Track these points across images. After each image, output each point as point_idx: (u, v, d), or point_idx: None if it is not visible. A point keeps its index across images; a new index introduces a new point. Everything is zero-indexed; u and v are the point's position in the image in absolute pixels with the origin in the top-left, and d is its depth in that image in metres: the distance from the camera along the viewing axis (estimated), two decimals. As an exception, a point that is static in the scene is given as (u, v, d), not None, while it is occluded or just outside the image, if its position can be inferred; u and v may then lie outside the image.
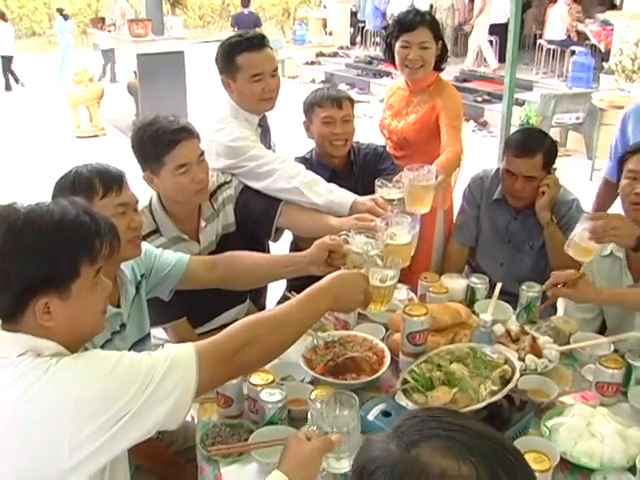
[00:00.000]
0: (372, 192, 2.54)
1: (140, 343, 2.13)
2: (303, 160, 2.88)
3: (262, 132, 2.84)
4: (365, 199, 2.50)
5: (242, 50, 2.62)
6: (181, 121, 2.34)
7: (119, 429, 1.30)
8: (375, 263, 2.00)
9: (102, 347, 1.88)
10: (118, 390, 1.32)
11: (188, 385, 1.40)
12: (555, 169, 2.80)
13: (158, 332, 2.59)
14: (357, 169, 2.89)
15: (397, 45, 3.03)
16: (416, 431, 0.90)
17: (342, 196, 2.55)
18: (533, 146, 2.71)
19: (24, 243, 1.35)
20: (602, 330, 2.57)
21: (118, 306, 2.00)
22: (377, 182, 2.47)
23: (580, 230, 2.27)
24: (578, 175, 2.57)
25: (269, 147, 2.89)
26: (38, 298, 1.35)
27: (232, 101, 2.71)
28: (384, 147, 3.04)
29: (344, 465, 1.56)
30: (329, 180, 2.66)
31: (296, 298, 1.68)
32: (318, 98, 2.81)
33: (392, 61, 3.12)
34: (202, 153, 2.38)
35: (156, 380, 1.36)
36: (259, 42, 2.65)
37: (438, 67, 3.12)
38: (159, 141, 2.28)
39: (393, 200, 2.42)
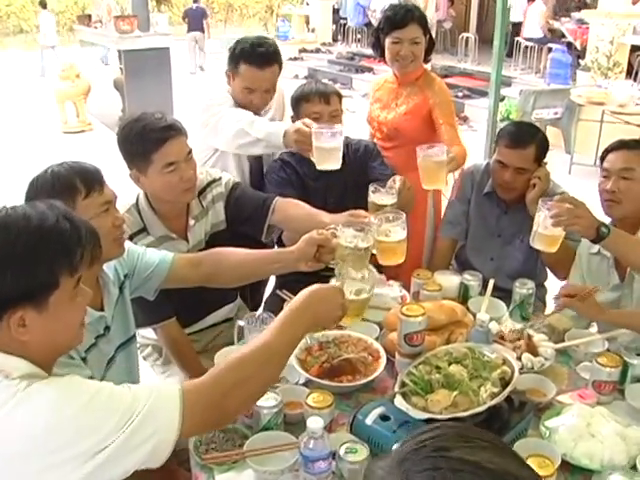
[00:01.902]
0: (362, 189, 2.52)
1: (126, 345, 2.07)
2: (290, 155, 2.86)
3: None
4: (295, 125, 2.55)
5: (246, 59, 2.79)
6: (169, 118, 2.29)
7: (92, 468, 1.21)
8: (358, 256, 1.97)
9: (87, 351, 1.82)
10: (91, 426, 1.23)
11: (169, 430, 1.31)
12: (546, 163, 2.78)
13: (147, 332, 2.56)
14: (347, 166, 2.83)
15: (388, 41, 3.06)
16: (421, 471, 0.79)
17: (278, 126, 2.62)
18: (526, 138, 2.70)
19: None
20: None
21: (101, 309, 1.93)
22: (371, 187, 2.43)
23: (542, 219, 2.23)
24: (557, 169, 2.60)
25: None
26: (13, 311, 1.26)
27: (229, 93, 2.89)
28: (375, 144, 3.01)
29: None
30: (318, 176, 2.65)
31: (272, 326, 1.56)
32: (305, 93, 2.77)
33: (381, 55, 3.16)
34: (190, 151, 2.33)
35: (135, 422, 1.26)
36: (264, 62, 2.79)
37: (425, 59, 3.18)
38: (146, 139, 2.23)
39: (386, 205, 2.39)
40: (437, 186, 2.61)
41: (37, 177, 1.82)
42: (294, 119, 2.82)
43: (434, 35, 3.31)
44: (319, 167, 2.43)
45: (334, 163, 2.42)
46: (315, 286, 1.69)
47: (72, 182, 1.80)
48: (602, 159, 2.49)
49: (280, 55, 2.90)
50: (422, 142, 2.91)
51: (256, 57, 2.76)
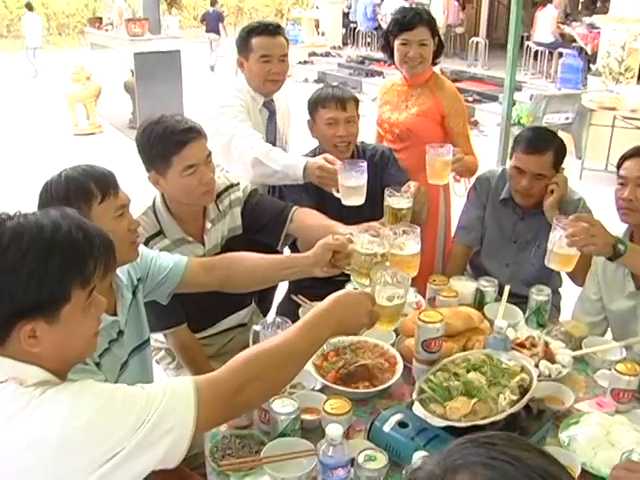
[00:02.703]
0: (377, 195, 2.51)
1: (139, 349, 2.05)
2: None
3: (269, 115, 3.05)
4: (316, 159, 2.57)
5: (257, 33, 2.92)
6: (189, 121, 2.28)
7: (107, 470, 1.20)
8: (384, 267, 1.92)
9: (100, 357, 1.81)
10: (107, 429, 1.21)
11: (185, 427, 1.30)
12: (563, 169, 2.76)
13: (160, 336, 2.55)
14: None
15: (396, 43, 3.11)
16: (461, 456, 0.82)
17: (297, 159, 2.62)
18: (543, 144, 2.68)
19: (10, 263, 1.23)
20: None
21: (115, 314, 1.91)
22: (386, 191, 2.43)
23: (558, 239, 2.20)
24: (568, 174, 2.60)
25: (274, 130, 3.07)
26: (23, 323, 1.24)
27: (244, 80, 2.99)
28: (390, 150, 3.00)
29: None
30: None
31: (296, 326, 1.55)
32: (322, 98, 2.77)
33: (391, 57, 3.20)
34: (209, 154, 2.32)
35: (151, 421, 1.25)
36: (274, 29, 2.95)
37: (433, 62, 3.21)
38: (167, 141, 2.21)
39: (402, 209, 2.38)
40: (439, 181, 2.76)
41: (50, 181, 1.80)
42: (310, 123, 2.83)
43: (444, 39, 3.33)
44: (345, 203, 2.45)
45: (360, 199, 2.43)
46: (344, 291, 1.69)
47: (87, 187, 1.78)
48: (618, 166, 2.46)
49: (284, 32, 3.06)
50: (434, 142, 2.94)
51: (266, 28, 2.93)
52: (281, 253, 2.78)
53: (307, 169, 2.54)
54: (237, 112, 2.82)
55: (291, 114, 3.27)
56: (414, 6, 3.28)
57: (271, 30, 2.93)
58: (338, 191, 2.45)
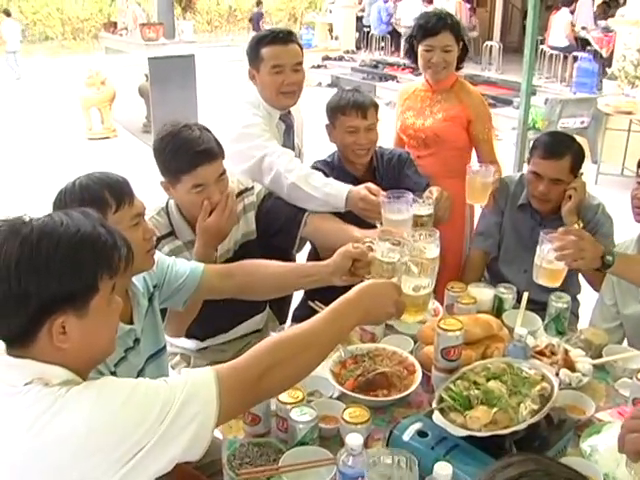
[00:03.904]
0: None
1: (155, 356, 2.04)
2: (324, 164, 2.83)
3: (285, 129, 2.88)
4: (359, 188, 2.47)
5: (267, 43, 2.72)
6: (205, 139, 2.23)
7: (136, 463, 1.21)
8: (408, 270, 1.88)
9: (116, 365, 1.80)
10: (133, 422, 1.23)
11: (208, 414, 1.31)
12: (582, 174, 2.74)
13: (176, 340, 2.54)
14: (380, 175, 2.81)
15: (420, 48, 3.08)
16: None
17: (337, 188, 2.51)
18: (561, 148, 2.67)
19: (43, 257, 1.24)
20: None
21: (131, 322, 1.89)
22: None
23: (545, 253, 2.16)
24: (584, 179, 2.60)
25: (292, 146, 2.91)
26: (55, 317, 1.26)
27: (257, 93, 2.79)
28: (408, 153, 2.98)
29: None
30: None
31: (322, 314, 1.57)
32: (342, 105, 2.71)
33: (415, 62, 3.18)
34: (223, 172, 2.30)
35: (174, 411, 1.27)
36: (285, 37, 2.74)
37: (458, 66, 3.19)
38: (180, 159, 2.20)
39: (422, 216, 2.34)
40: (479, 203, 2.76)
41: (65, 189, 1.78)
42: (329, 128, 2.80)
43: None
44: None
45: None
46: (370, 281, 1.72)
47: (101, 196, 1.76)
48: (638, 166, 2.46)
49: (297, 38, 2.85)
50: (461, 147, 2.95)
51: (276, 35, 2.74)
52: (293, 259, 2.78)
53: (349, 199, 2.46)
54: (261, 131, 2.66)
55: (304, 122, 3.16)
56: (438, 11, 3.22)
57: (282, 37, 2.73)
58: (382, 223, 2.35)
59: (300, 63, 2.78)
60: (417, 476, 1.53)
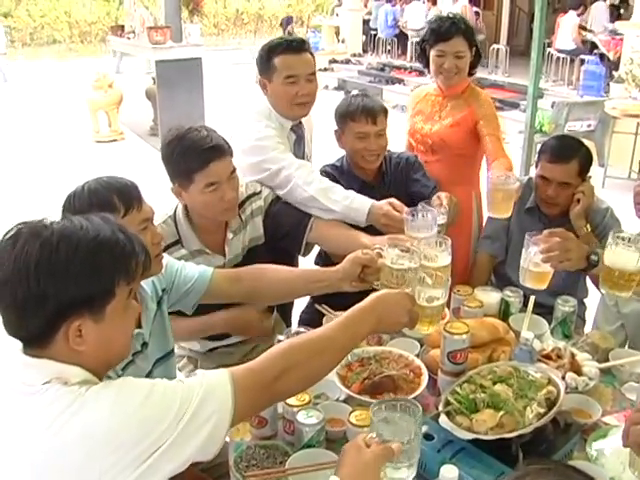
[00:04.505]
0: (403, 202, 2.48)
1: (163, 360, 2.04)
2: (333, 168, 2.82)
3: (296, 139, 2.82)
4: (382, 203, 2.45)
5: (280, 52, 2.64)
6: (214, 138, 2.25)
7: (153, 462, 1.23)
8: (423, 281, 1.89)
9: (123, 369, 1.80)
10: (152, 421, 1.25)
11: (224, 414, 1.33)
12: (590, 177, 2.74)
13: (184, 343, 2.55)
14: (388, 179, 2.82)
15: (432, 53, 3.05)
16: None
17: (359, 202, 2.48)
18: (569, 152, 2.68)
19: (62, 260, 1.26)
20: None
21: (139, 326, 1.90)
22: (419, 206, 2.33)
23: (532, 256, 2.15)
24: (591, 182, 2.60)
25: (302, 156, 2.86)
26: (72, 320, 1.27)
27: (268, 103, 2.72)
28: (416, 156, 2.98)
29: (402, 475, 1.50)
30: (359, 191, 2.60)
31: (336, 321, 1.60)
32: (352, 111, 2.69)
33: (426, 66, 3.15)
34: (234, 170, 2.31)
35: (190, 410, 1.29)
36: (298, 45, 2.66)
37: (470, 73, 3.14)
38: (190, 159, 2.21)
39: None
40: (503, 215, 2.58)
41: (73, 193, 1.79)
42: (338, 134, 2.79)
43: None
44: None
45: None
46: (384, 290, 1.74)
47: (110, 200, 1.77)
48: None
49: (310, 46, 2.76)
50: (468, 154, 2.90)
51: (289, 44, 2.65)
52: (296, 264, 2.78)
53: (371, 214, 2.44)
54: (276, 144, 2.60)
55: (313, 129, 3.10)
56: (452, 15, 3.15)
57: (295, 47, 2.64)
58: None
59: (314, 73, 2.71)
60: (421, 422, 1.54)
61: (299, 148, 2.85)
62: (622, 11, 12.69)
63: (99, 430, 1.21)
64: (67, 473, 1.20)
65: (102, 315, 1.31)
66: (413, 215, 2.24)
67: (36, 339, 1.30)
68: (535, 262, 2.15)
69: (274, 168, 2.55)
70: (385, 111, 2.75)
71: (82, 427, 1.21)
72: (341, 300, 2.07)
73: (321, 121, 2.71)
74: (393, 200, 2.45)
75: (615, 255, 1.88)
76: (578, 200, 2.65)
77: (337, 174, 2.76)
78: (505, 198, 2.49)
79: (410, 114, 3.32)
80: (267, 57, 2.66)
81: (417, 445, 1.51)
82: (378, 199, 2.50)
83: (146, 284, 1.96)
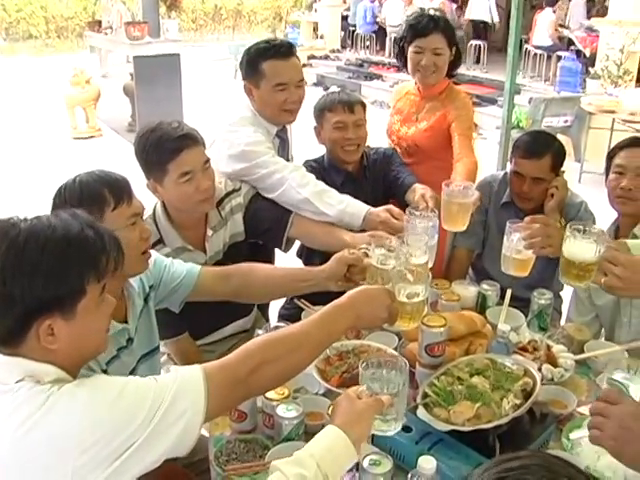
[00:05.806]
0: (385, 197, 2.49)
1: (148, 356, 2.05)
2: (316, 162, 2.83)
3: (280, 143, 2.79)
4: (379, 210, 2.41)
5: (268, 57, 2.57)
6: (185, 127, 2.25)
7: (126, 459, 1.23)
8: (403, 278, 1.85)
9: (108, 364, 1.82)
10: (125, 418, 1.25)
11: (197, 410, 1.34)
12: (563, 172, 2.77)
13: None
14: (370, 174, 2.84)
15: (410, 50, 3.01)
16: None
17: (355, 207, 2.44)
18: (541, 148, 2.71)
19: (28, 261, 1.26)
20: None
21: (125, 321, 1.91)
22: (407, 211, 2.27)
23: (514, 243, 2.15)
24: (567, 177, 2.61)
25: (287, 159, 2.81)
26: (42, 320, 1.27)
27: (252, 107, 2.66)
28: (394, 149, 2.99)
29: (390, 427, 1.54)
30: (343, 184, 2.61)
31: (314, 317, 1.59)
32: (329, 103, 2.73)
33: (404, 65, 3.10)
34: (207, 160, 2.30)
35: (163, 407, 1.29)
36: (286, 50, 2.60)
37: (450, 74, 3.09)
38: (162, 148, 2.20)
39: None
40: (457, 229, 2.44)
41: (65, 186, 1.80)
42: (317, 130, 2.81)
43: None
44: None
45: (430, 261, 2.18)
46: (363, 286, 1.74)
47: (100, 193, 1.78)
48: (612, 157, 2.53)
49: (296, 50, 2.71)
50: (442, 159, 2.87)
51: (276, 49, 2.58)
52: (273, 261, 2.78)
53: (367, 220, 2.39)
54: (267, 149, 2.55)
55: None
56: (430, 12, 3.09)
57: (284, 52, 2.58)
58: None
59: (302, 79, 2.67)
60: (407, 378, 1.57)
61: (283, 151, 2.81)
62: (596, 6, 12.79)
63: (71, 430, 1.21)
64: (40, 472, 1.20)
65: (73, 314, 1.31)
66: (412, 223, 2.18)
67: (7, 338, 1.30)
68: (517, 249, 2.15)
69: (264, 172, 2.51)
70: (362, 104, 2.77)
71: (55, 426, 1.21)
72: (321, 295, 2.08)
73: (299, 117, 2.70)
74: (391, 207, 2.43)
75: (573, 246, 1.90)
76: (552, 194, 2.68)
77: (319, 170, 2.76)
78: (461, 211, 2.36)
79: (390, 112, 3.31)
80: (254, 62, 2.60)
81: (405, 399, 1.56)
82: (362, 195, 2.52)
83: (133, 280, 1.97)
